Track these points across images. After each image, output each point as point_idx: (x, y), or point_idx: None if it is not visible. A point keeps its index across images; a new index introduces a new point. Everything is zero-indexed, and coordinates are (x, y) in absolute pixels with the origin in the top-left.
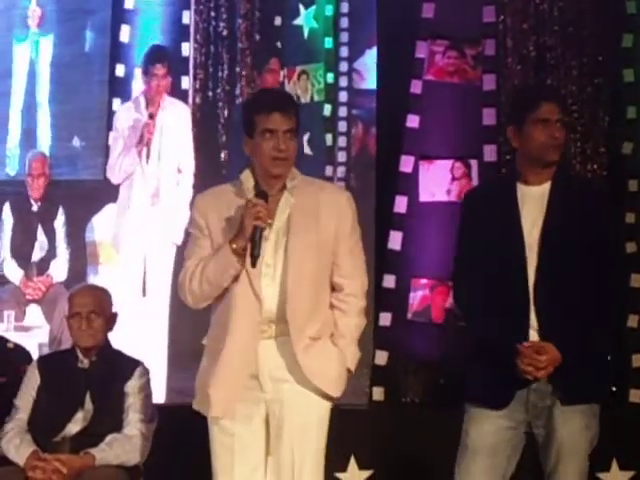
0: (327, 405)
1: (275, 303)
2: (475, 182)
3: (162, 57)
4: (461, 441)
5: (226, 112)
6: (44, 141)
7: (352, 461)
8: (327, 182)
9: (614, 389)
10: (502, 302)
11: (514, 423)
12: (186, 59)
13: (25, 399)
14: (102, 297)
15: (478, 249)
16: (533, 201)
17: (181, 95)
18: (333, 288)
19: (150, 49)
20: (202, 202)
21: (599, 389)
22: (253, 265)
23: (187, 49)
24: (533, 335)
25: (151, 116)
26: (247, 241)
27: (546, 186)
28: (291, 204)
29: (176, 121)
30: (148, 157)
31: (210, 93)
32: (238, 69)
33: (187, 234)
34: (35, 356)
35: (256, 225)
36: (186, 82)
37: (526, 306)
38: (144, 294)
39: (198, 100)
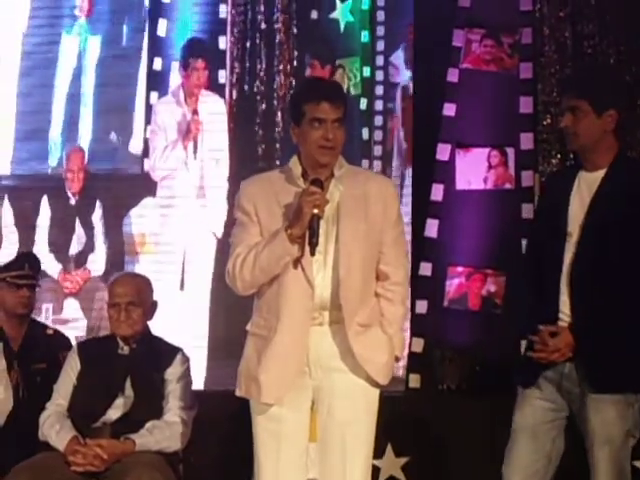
0: (376, 392)
1: (327, 290)
2: (512, 170)
3: (201, 51)
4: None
5: (263, 106)
6: (85, 135)
7: (389, 448)
8: (373, 172)
9: None
10: (540, 288)
11: (554, 405)
12: (223, 53)
13: (65, 385)
14: (142, 286)
15: (540, 234)
16: (586, 188)
17: (218, 89)
18: (377, 276)
19: (188, 43)
20: (250, 188)
21: (631, 379)
22: (312, 253)
23: (224, 42)
24: (563, 319)
25: (195, 111)
26: (305, 229)
27: (602, 172)
28: (340, 192)
29: (213, 115)
30: (195, 152)
31: (247, 87)
32: (275, 63)
33: (231, 223)
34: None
35: (315, 213)
36: (223, 76)
37: (557, 293)
38: (182, 288)
39: (235, 94)
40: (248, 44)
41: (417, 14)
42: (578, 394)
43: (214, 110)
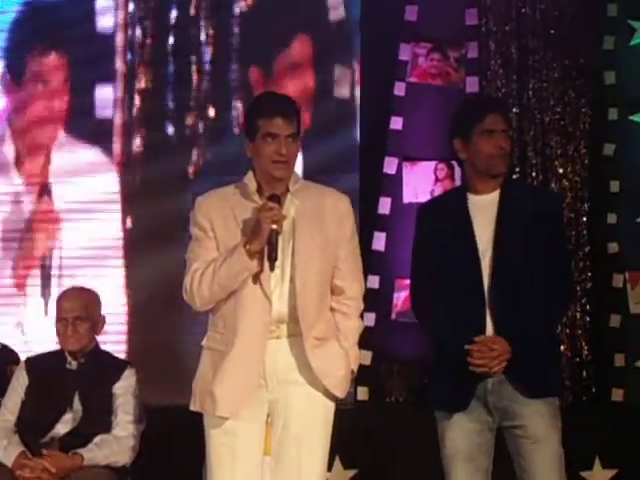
0: (332, 406)
1: (284, 303)
2: (458, 183)
3: None
4: (440, 450)
5: None
6: None
7: (337, 461)
8: (326, 186)
9: (593, 389)
10: (459, 309)
11: (482, 425)
12: None
13: (13, 399)
14: (89, 301)
15: (432, 259)
16: (484, 210)
17: None
18: (332, 291)
19: None
20: (206, 204)
21: (556, 384)
22: (272, 268)
23: None
24: (488, 334)
25: None
26: (263, 244)
27: (496, 194)
28: (296, 207)
29: None
30: None
31: None
32: None
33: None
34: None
35: (273, 228)
36: None
37: (482, 311)
38: None
39: None
40: None
41: (364, 28)
42: (506, 406)
43: None
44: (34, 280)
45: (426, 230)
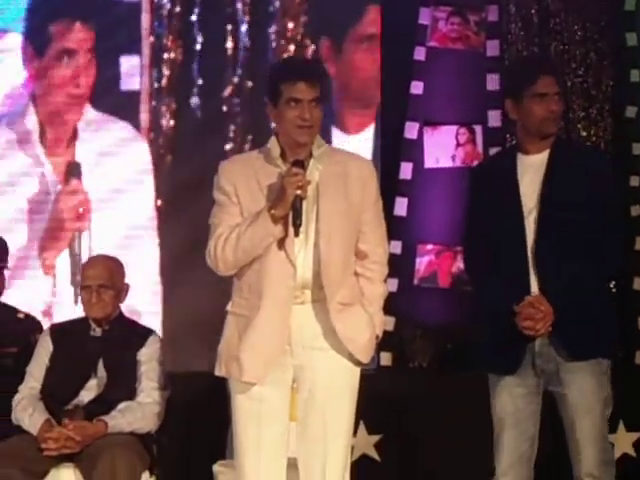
0: (357, 370)
1: (309, 269)
2: (480, 148)
3: None
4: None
5: None
6: None
7: (361, 426)
8: (351, 152)
9: (620, 353)
10: (505, 268)
11: (529, 389)
12: None
13: (38, 367)
14: (113, 269)
15: (483, 221)
16: (532, 170)
17: None
18: (356, 255)
19: None
20: (229, 169)
21: (604, 344)
22: (296, 234)
23: None
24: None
25: None
26: (288, 210)
27: (545, 154)
28: (319, 171)
29: None
30: None
31: None
32: None
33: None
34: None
35: (298, 194)
36: None
37: (526, 271)
38: None
39: None
40: None
41: None
42: (553, 370)
43: None
44: (63, 266)
45: (476, 193)
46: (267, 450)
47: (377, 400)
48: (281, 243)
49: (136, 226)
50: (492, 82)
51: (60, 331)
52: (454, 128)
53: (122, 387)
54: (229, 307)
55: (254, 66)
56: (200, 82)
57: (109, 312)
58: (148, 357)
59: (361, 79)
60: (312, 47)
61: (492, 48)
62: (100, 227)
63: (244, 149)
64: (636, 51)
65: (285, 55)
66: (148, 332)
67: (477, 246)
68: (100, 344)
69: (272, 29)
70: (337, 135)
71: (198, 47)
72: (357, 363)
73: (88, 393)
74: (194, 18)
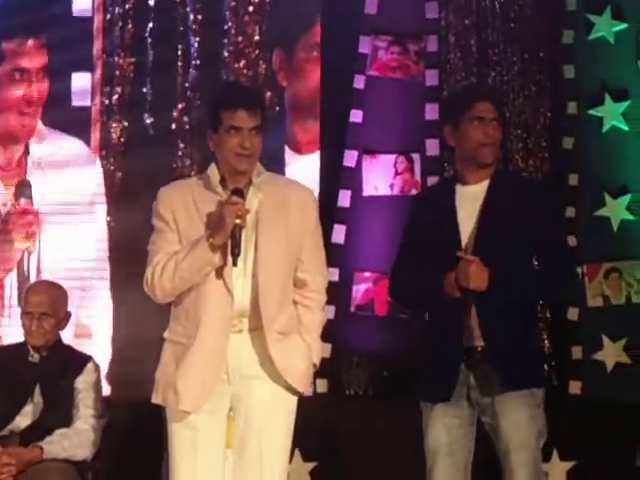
0: (294, 400)
1: (247, 297)
2: (418, 176)
3: None
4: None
5: None
6: None
7: (297, 453)
8: (291, 179)
9: (554, 383)
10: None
11: (464, 420)
12: None
13: None
14: (56, 297)
15: (416, 254)
16: (470, 200)
17: None
18: (295, 284)
19: None
20: (168, 195)
21: (536, 374)
22: (234, 263)
23: None
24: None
25: None
26: (227, 238)
27: (484, 184)
28: (259, 199)
29: None
30: None
31: None
32: None
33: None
34: None
35: (237, 223)
36: None
37: (460, 300)
38: None
39: None
40: None
41: (324, 20)
42: (487, 402)
43: None
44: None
45: (414, 221)
46: (202, 478)
47: (313, 427)
48: (219, 271)
49: (87, 245)
50: (431, 111)
51: None
52: (393, 157)
53: (58, 414)
54: (166, 334)
55: (205, 85)
56: (150, 99)
57: (49, 339)
58: (85, 385)
59: (310, 88)
60: (263, 66)
61: (431, 77)
62: (49, 246)
63: (194, 168)
64: (573, 83)
65: (236, 72)
66: (86, 359)
67: (404, 274)
68: (37, 370)
69: (224, 47)
70: (289, 154)
71: (149, 65)
72: (294, 392)
73: (24, 419)
74: (146, 35)
